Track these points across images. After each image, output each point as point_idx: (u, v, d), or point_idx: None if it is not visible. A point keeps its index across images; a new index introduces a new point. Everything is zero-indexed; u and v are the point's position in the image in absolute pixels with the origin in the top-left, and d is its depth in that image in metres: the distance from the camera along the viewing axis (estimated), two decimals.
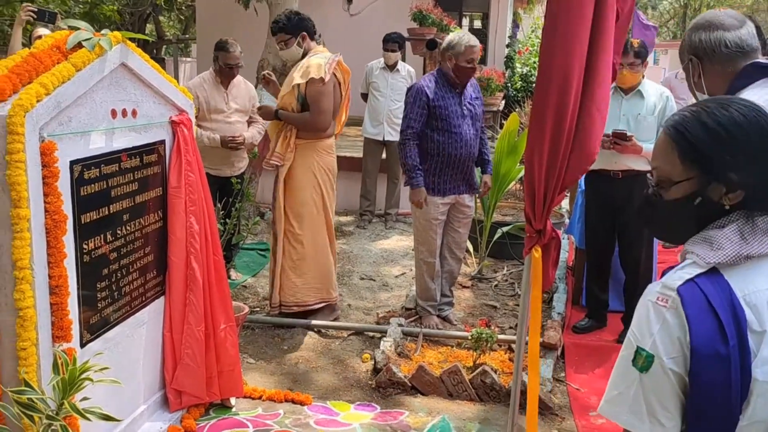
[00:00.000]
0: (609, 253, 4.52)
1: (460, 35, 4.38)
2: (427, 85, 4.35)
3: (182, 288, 3.22)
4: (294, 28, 4.43)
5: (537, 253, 1.94)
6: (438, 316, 4.62)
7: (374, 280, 5.56)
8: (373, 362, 3.99)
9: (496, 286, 5.45)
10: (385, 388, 3.73)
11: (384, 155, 7.11)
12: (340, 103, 4.56)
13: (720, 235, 1.21)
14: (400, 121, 6.97)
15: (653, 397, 1.19)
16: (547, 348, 4.09)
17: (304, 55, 4.47)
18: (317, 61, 4.32)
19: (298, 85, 4.28)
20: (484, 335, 3.88)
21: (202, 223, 3.26)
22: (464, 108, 4.43)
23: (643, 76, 4.31)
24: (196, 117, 4.90)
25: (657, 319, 1.18)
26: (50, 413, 2.01)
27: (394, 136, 6.99)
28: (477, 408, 3.59)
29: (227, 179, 5.06)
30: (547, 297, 5.16)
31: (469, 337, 3.95)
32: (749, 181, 1.23)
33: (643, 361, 1.18)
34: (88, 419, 2.03)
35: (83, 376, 2.06)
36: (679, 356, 1.16)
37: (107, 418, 2.12)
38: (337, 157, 7.60)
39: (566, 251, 6.22)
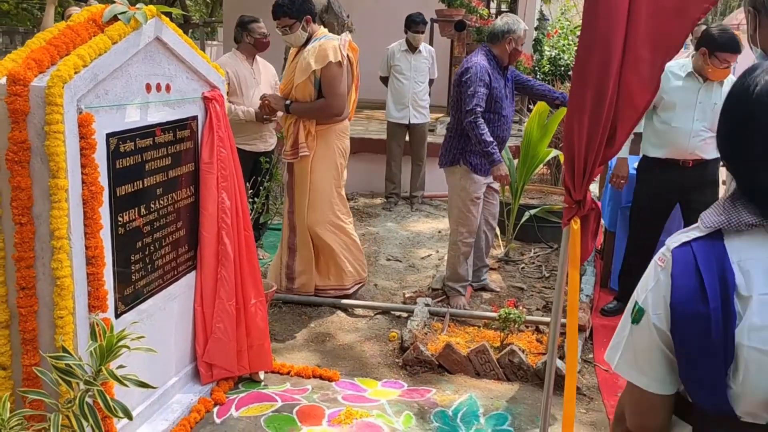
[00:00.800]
0: (656, 239, 4.44)
1: (515, 19, 4.44)
2: (485, 66, 4.31)
3: (214, 263, 3.25)
4: (298, 12, 4.22)
5: (576, 224, 1.92)
6: (477, 286, 4.79)
7: (401, 261, 5.56)
8: (400, 341, 4.00)
9: (523, 268, 5.43)
10: (412, 366, 3.75)
11: (407, 138, 7.08)
12: (350, 84, 4.52)
13: (726, 203, 1.23)
14: (424, 104, 7.00)
15: (639, 348, 1.26)
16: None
17: (308, 40, 4.33)
18: (332, 44, 4.23)
19: (314, 70, 4.22)
20: (512, 315, 3.87)
21: (234, 198, 3.28)
22: (508, 90, 4.43)
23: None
24: (227, 93, 4.98)
25: (653, 278, 1.24)
26: (88, 379, 2.05)
27: (419, 118, 6.97)
28: (504, 387, 3.59)
29: (260, 155, 5.14)
30: None
31: (497, 318, 3.94)
32: (729, 157, 1.26)
33: (635, 313, 1.25)
34: (126, 385, 2.06)
35: (120, 343, 2.09)
36: (662, 313, 1.21)
37: (143, 385, 2.15)
38: (362, 139, 7.66)
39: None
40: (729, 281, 1.16)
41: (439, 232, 6.41)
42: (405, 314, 4.42)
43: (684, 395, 1.27)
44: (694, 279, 1.18)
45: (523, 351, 3.76)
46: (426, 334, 4.11)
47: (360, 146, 7.62)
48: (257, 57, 5.24)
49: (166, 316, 3.07)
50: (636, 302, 1.26)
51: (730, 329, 1.15)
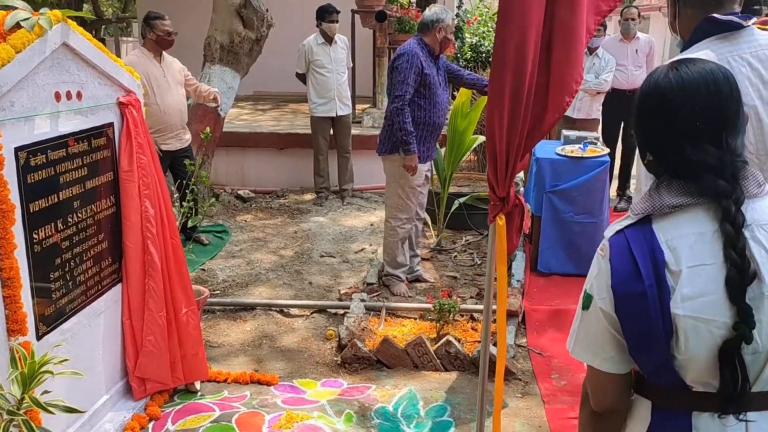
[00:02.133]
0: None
1: (443, 9, 4.60)
2: (418, 53, 4.33)
3: (140, 274, 3.15)
4: None
5: (501, 221, 1.94)
6: (411, 278, 4.83)
7: (334, 257, 5.54)
8: (337, 339, 3.98)
9: (455, 257, 5.49)
10: (350, 364, 3.74)
11: (332, 131, 7.02)
12: None
13: (651, 191, 1.36)
14: (348, 94, 6.97)
15: (590, 332, 1.37)
16: (508, 315, 4.14)
17: None
18: None
19: None
20: (446, 306, 3.91)
21: (157, 206, 3.18)
22: (440, 77, 4.47)
23: None
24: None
25: (596, 266, 1.36)
26: (11, 408, 1.94)
27: (344, 110, 6.94)
28: (442, 378, 3.63)
29: (176, 154, 5.12)
30: (507, 264, 5.23)
31: (432, 309, 3.98)
32: (649, 148, 1.37)
33: (584, 300, 1.36)
34: (52, 412, 1.97)
35: (43, 369, 2.00)
36: (606, 297, 1.32)
37: (71, 410, 2.06)
38: (289, 135, 7.57)
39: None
40: (659, 259, 1.27)
41: (372, 225, 6.41)
42: (341, 311, 4.41)
43: (642, 374, 1.37)
44: (629, 262, 1.29)
45: (459, 340, 3.81)
46: (363, 330, 4.11)
47: (286, 141, 7.54)
48: (164, 54, 5.17)
49: (92, 333, 2.95)
50: (585, 290, 1.37)
51: (666, 303, 1.26)
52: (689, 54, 1.41)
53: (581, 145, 5.05)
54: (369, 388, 3.50)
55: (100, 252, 3.00)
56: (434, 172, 5.54)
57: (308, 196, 7.24)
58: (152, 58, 5.06)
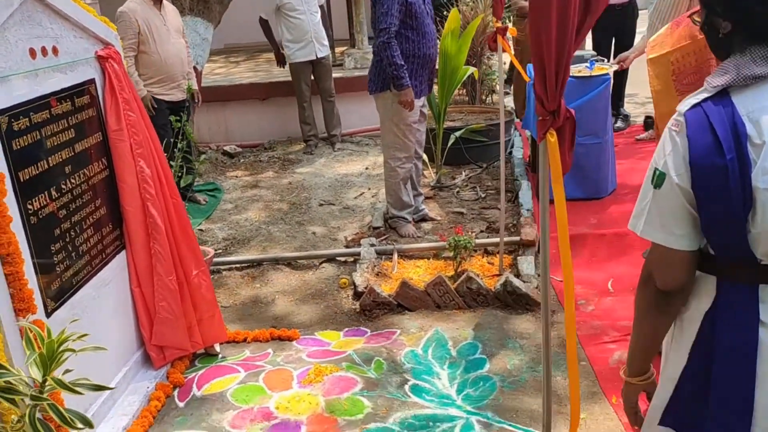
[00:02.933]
0: None
1: None
2: None
3: (144, 238, 2.96)
4: None
5: (552, 137, 1.78)
6: (417, 218, 4.67)
7: (334, 205, 5.36)
8: (352, 287, 3.85)
9: (457, 192, 5.34)
10: (370, 311, 3.61)
11: (313, 76, 6.73)
12: None
13: (727, 62, 1.33)
14: (324, 34, 6.66)
15: (663, 210, 1.35)
16: (526, 245, 4.03)
17: None
18: None
19: None
20: (462, 242, 3.78)
21: (153, 165, 2.97)
22: (426, 5, 4.23)
23: None
24: (139, 44, 4.70)
25: (670, 143, 1.33)
26: (34, 393, 1.78)
27: (323, 51, 6.64)
28: (467, 315, 3.52)
29: (177, 106, 4.94)
30: (511, 195, 5.10)
31: (447, 246, 3.84)
32: (731, 13, 1.32)
33: (656, 179, 1.34)
34: (80, 392, 1.81)
35: (63, 347, 1.83)
36: (683, 173, 1.30)
37: (99, 388, 1.91)
38: (269, 84, 7.28)
39: (521, 148, 6.15)
40: (741, 132, 1.26)
41: (366, 169, 6.22)
42: (351, 258, 4.26)
43: (706, 250, 1.37)
44: (709, 135, 1.28)
45: (478, 276, 3.69)
46: (377, 275, 3.98)
47: (268, 91, 7.26)
48: (163, 1, 4.90)
49: (103, 305, 2.78)
50: (655, 169, 1.35)
51: (747, 176, 1.25)
52: None
53: (587, 64, 4.85)
54: (394, 334, 3.38)
55: (99, 219, 2.80)
56: (429, 109, 5.34)
57: (297, 146, 7.01)
58: (151, 5, 4.78)
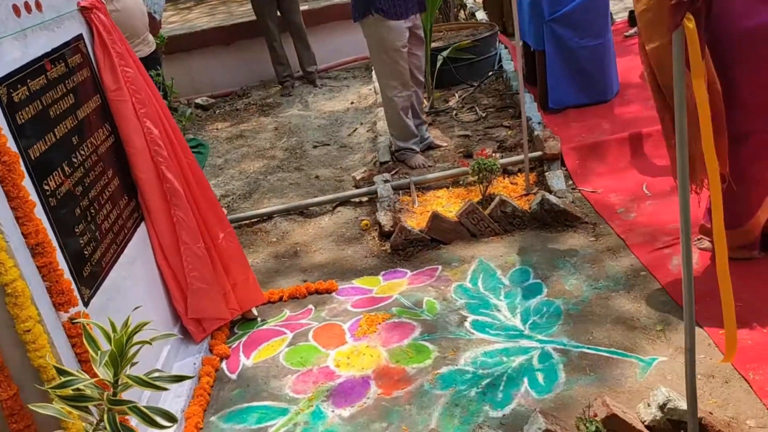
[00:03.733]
0: None
1: None
2: None
3: (163, 206, 2.70)
4: None
5: (691, 22, 1.52)
6: (423, 147, 4.47)
7: (329, 145, 5.10)
8: (376, 228, 3.65)
9: (456, 115, 5.11)
10: (403, 249, 3.42)
11: (279, 11, 6.31)
12: None
13: None
14: None
15: None
16: (550, 160, 3.86)
17: None
18: None
19: None
20: (487, 165, 3.58)
21: (160, 124, 2.68)
22: None
23: None
24: None
25: None
26: (110, 396, 1.56)
27: None
28: (506, 241, 3.35)
29: (148, 60, 4.61)
30: (513, 111, 4.89)
31: (470, 171, 3.63)
32: None
33: None
34: (164, 388, 1.60)
35: (134, 339, 1.60)
36: None
37: (178, 378, 1.70)
38: (232, 27, 6.83)
39: (510, 60, 5.90)
40: None
41: (352, 103, 5.93)
42: (365, 198, 4.05)
43: None
44: None
45: (510, 198, 3.51)
46: (400, 211, 3.77)
47: (233, 35, 6.82)
48: None
49: (134, 285, 2.53)
50: None
51: None
52: None
53: None
54: (436, 270, 3.21)
55: (114, 191, 2.52)
56: None
57: (273, 89, 6.64)
58: None
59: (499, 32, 6.16)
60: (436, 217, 3.43)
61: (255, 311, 3.06)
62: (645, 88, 4.60)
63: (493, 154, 3.84)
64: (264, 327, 2.99)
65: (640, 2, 2.40)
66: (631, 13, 6.18)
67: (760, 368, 2.20)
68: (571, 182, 3.77)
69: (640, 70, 4.81)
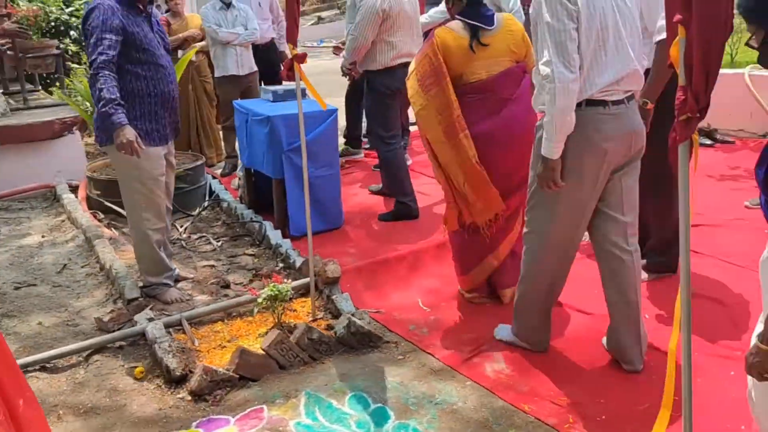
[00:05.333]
0: None
1: None
2: (112, 5, 3.40)
3: None
4: None
5: (696, 136, 1.66)
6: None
7: (37, 285, 4.22)
8: (165, 373, 3.10)
9: (187, 245, 4.76)
10: (210, 394, 2.97)
11: None
12: None
13: None
14: None
15: None
16: (331, 283, 3.82)
17: None
18: None
19: None
20: (282, 291, 3.39)
21: None
22: (158, 35, 3.65)
23: None
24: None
25: None
26: None
27: None
28: (319, 369, 3.16)
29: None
30: (251, 239, 4.78)
31: (263, 300, 3.38)
32: None
33: None
34: None
35: None
36: None
37: None
38: None
39: (225, 189, 5.79)
40: None
41: (44, 237, 5.07)
42: (125, 342, 3.44)
43: None
44: None
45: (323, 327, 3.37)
46: (183, 351, 3.29)
47: None
48: None
49: None
50: None
51: None
52: None
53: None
54: (262, 410, 2.85)
55: None
56: None
57: None
58: None
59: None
60: (243, 353, 3.09)
61: None
62: (367, 215, 5.02)
63: (286, 280, 3.66)
64: None
65: (416, 104, 3.41)
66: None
67: None
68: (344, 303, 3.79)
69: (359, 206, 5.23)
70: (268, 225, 4.75)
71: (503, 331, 3.32)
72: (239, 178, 5.56)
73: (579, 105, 2.66)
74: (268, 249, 4.56)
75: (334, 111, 4.82)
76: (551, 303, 3.14)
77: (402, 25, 5.07)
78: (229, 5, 6.29)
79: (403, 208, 5.05)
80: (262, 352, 3.14)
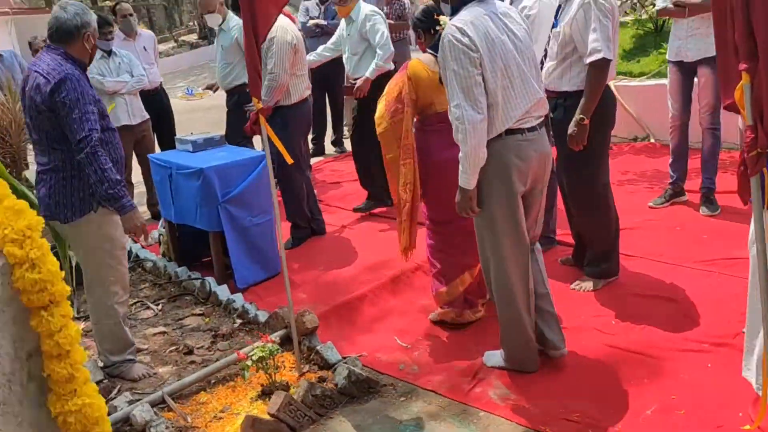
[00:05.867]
0: None
1: (83, 8, 3.39)
2: (79, 75, 3.26)
3: None
4: None
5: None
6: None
7: None
8: None
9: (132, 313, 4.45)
10: None
11: None
12: None
13: None
14: None
15: None
16: (310, 334, 3.76)
17: None
18: None
19: None
20: (273, 351, 3.30)
21: None
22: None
23: None
24: None
25: None
26: None
27: None
28: (330, 425, 3.12)
29: None
30: (192, 298, 4.57)
31: (252, 362, 3.28)
32: None
33: None
34: None
35: None
36: None
37: None
38: None
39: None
40: None
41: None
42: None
43: None
44: None
45: (311, 380, 3.31)
46: (181, 429, 3.11)
47: None
48: None
49: None
50: None
51: None
52: None
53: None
54: None
55: None
56: None
57: None
58: None
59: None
60: (255, 421, 2.98)
61: None
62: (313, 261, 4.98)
63: (273, 338, 3.54)
64: None
65: (380, 126, 3.66)
66: None
67: None
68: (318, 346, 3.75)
69: None
70: (210, 280, 4.57)
71: (493, 358, 3.45)
72: (160, 234, 5.28)
73: (500, 136, 3.03)
74: (217, 306, 4.39)
75: (263, 157, 4.74)
76: (531, 310, 3.28)
77: (302, 57, 5.25)
78: (110, 53, 5.96)
79: (305, 231, 5.42)
80: (272, 418, 3.05)
